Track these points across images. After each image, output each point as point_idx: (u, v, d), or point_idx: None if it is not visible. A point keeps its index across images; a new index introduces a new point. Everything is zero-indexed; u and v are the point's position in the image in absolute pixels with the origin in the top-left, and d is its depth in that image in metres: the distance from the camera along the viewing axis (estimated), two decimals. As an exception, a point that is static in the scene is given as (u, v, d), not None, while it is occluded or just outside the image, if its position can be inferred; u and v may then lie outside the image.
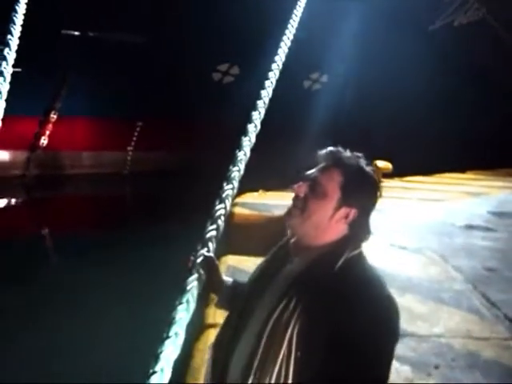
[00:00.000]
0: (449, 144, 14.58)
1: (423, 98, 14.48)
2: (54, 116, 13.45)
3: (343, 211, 1.80)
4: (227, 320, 1.97)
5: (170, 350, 1.41)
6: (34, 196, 13.50)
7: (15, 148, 13.57)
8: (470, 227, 7.63)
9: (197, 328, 4.25)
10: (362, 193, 1.83)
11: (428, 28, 15.33)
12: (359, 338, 1.64)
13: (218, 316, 4.38)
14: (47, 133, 13.61)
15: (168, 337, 1.43)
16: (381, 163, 9.96)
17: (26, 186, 13.71)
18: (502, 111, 15.72)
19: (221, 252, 5.64)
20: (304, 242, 1.85)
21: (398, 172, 10.35)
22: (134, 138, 15.07)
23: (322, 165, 1.86)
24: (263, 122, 2.43)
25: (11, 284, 7.34)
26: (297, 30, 3.72)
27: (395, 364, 3.89)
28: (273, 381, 1.68)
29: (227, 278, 2.09)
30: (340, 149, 1.89)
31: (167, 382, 1.36)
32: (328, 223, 1.81)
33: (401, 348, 4.11)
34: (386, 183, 9.86)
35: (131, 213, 13.00)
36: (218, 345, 1.96)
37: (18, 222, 11.78)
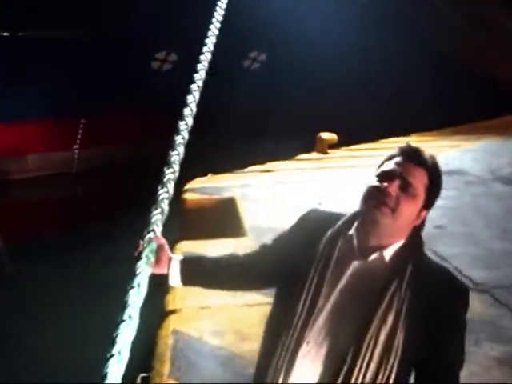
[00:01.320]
0: (394, 109, 14.76)
1: (365, 68, 14.60)
2: (-7, 122, 13.13)
3: (422, 214, 1.82)
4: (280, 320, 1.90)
5: (126, 333, 1.45)
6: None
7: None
8: (417, 188, 7.82)
9: (158, 316, 4.31)
10: (437, 196, 1.87)
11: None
12: (457, 316, 1.80)
13: (177, 302, 4.44)
14: (-12, 139, 13.28)
15: (122, 320, 1.48)
16: (325, 135, 10.08)
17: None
18: (442, 72, 15.91)
19: (175, 239, 5.67)
20: (381, 240, 1.80)
21: (344, 142, 10.49)
22: (79, 136, 14.85)
23: (405, 162, 1.81)
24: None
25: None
26: (228, 10, 3.73)
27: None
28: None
29: (177, 256, 2.10)
30: (419, 147, 1.86)
31: (126, 363, 1.40)
32: (411, 224, 1.81)
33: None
34: (333, 154, 9.99)
35: (83, 211, 12.88)
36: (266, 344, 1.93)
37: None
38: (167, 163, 2.01)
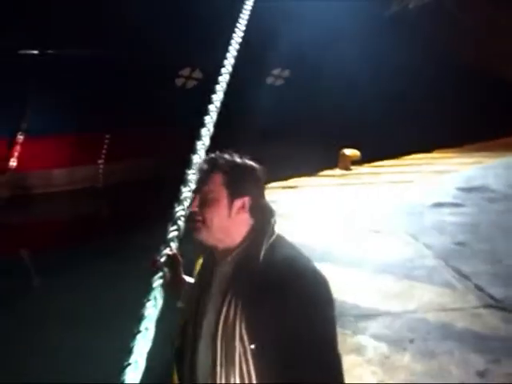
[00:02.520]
0: (416, 126, 14.75)
1: (388, 84, 14.61)
2: (21, 137, 13.37)
3: (237, 203, 1.93)
4: (186, 323, 2.05)
5: (142, 344, 1.53)
6: (7, 218, 13.39)
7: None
8: (439, 205, 7.80)
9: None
10: (245, 181, 1.96)
11: (384, 13, 15.50)
12: (301, 315, 1.79)
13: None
14: (16, 154, 13.52)
15: (139, 331, 1.55)
16: (348, 151, 10.14)
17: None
18: (463, 90, 15.91)
19: (198, 254, 5.74)
20: (220, 246, 1.95)
21: (368, 158, 10.53)
22: (104, 151, 15.04)
23: (200, 175, 1.99)
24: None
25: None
26: (247, 31, 3.81)
27: (371, 342, 4.05)
28: (237, 379, 1.78)
29: (189, 278, 2.19)
30: (213, 155, 2.03)
31: (142, 371, 1.48)
32: (229, 220, 1.93)
33: (376, 327, 4.28)
34: (356, 170, 10.03)
35: (108, 226, 12.99)
36: (180, 348, 2.01)
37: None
38: (184, 181, 2.09)
